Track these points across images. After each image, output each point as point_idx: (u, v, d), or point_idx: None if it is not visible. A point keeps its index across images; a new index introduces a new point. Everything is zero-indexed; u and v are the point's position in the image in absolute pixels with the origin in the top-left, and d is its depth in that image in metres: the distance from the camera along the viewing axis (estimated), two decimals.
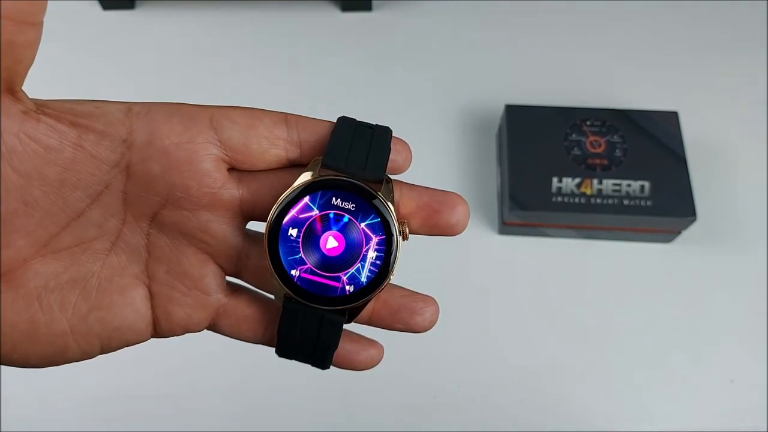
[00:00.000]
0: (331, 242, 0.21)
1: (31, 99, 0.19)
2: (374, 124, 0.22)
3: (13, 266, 0.19)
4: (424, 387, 0.50)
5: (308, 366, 0.23)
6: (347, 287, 0.21)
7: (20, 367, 0.20)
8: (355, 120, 0.22)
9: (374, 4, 0.67)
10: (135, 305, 0.21)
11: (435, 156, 0.59)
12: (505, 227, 0.54)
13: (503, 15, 0.67)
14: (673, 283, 0.54)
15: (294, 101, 0.63)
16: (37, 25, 0.17)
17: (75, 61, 0.64)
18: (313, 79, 0.64)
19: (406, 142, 0.22)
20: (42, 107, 0.19)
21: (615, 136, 0.54)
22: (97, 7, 0.67)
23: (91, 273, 0.20)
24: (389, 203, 0.21)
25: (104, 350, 0.21)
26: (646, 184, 0.52)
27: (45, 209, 0.19)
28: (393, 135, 0.22)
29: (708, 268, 0.54)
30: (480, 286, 0.53)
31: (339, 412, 0.49)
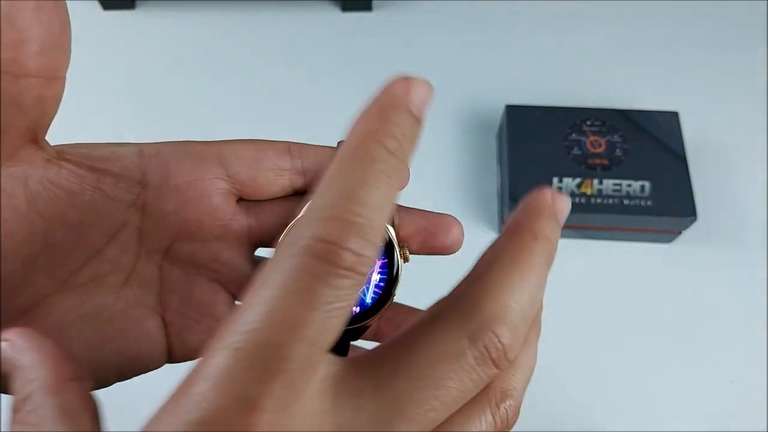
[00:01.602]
0: None
1: (52, 146, 0.20)
2: None
3: (33, 303, 0.20)
4: None
5: None
6: (354, 308, 0.22)
7: None
8: None
9: (374, 3, 0.67)
10: (150, 335, 0.22)
11: (435, 156, 0.59)
12: None
13: (503, 15, 0.67)
14: (673, 283, 0.53)
15: (294, 101, 0.63)
16: (62, 79, 0.18)
17: (75, 61, 0.63)
18: (313, 78, 0.64)
19: None
20: (61, 153, 0.20)
21: (615, 136, 0.54)
22: (97, 7, 0.67)
23: (105, 306, 0.21)
24: (390, 228, 0.22)
25: (121, 378, 0.21)
26: (647, 184, 0.52)
27: (66, 249, 0.20)
28: None
29: (708, 268, 0.54)
30: None
31: None
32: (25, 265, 0.19)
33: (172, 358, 0.22)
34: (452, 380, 0.15)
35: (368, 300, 0.22)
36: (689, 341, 0.51)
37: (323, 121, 0.60)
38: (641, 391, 0.49)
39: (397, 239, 0.22)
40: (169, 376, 0.25)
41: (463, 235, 0.23)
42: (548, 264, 0.18)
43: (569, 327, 0.52)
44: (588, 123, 0.55)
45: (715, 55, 0.65)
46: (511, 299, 0.16)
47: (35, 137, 0.19)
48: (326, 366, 0.15)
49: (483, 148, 0.60)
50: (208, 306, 0.22)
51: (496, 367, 0.16)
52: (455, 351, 0.15)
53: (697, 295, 0.53)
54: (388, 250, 0.22)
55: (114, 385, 0.22)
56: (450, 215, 0.23)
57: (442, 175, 0.58)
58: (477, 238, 0.56)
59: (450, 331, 0.15)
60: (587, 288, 0.53)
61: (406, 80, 0.16)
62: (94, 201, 0.20)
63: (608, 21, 0.67)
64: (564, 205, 0.19)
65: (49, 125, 0.19)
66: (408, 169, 0.16)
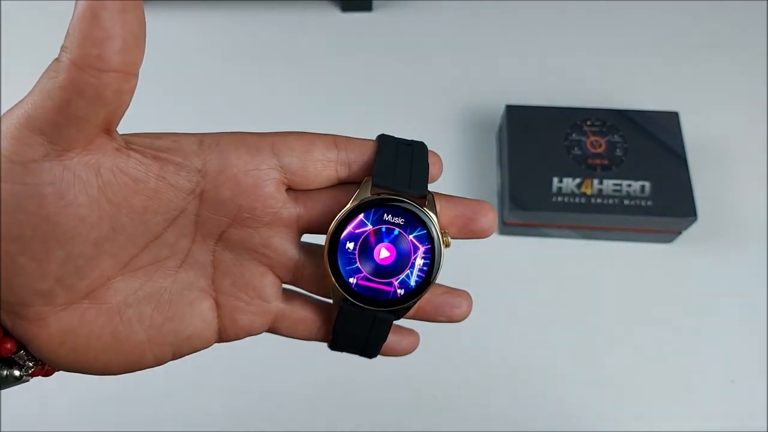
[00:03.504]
0: (383, 253, 0.24)
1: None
2: (410, 140, 0.25)
3: (98, 285, 0.21)
4: (425, 387, 0.50)
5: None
6: (398, 291, 0.24)
7: (100, 374, 0.23)
8: (394, 138, 0.24)
9: (374, 4, 0.67)
10: (203, 315, 0.23)
11: None
12: (506, 227, 0.54)
13: (504, 15, 0.67)
14: (673, 283, 0.53)
15: (294, 101, 0.63)
16: (137, 75, 0.20)
17: None
18: (314, 79, 0.64)
19: (438, 155, 0.25)
20: (129, 143, 0.21)
21: (615, 136, 0.54)
22: None
23: (163, 288, 0.23)
24: (433, 216, 0.24)
25: (175, 357, 0.23)
26: (647, 184, 0.52)
27: (129, 234, 0.21)
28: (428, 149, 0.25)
29: (708, 268, 0.54)
30: (480, 286, 0.53)
31: (339, 412, 0.49)
32: (94, 248, 0.21)
33: (222, 337, 0.24)
34: None
35: (412, 283, 0.24)
36: (689, 341, 0.51)
37: (323, 120, 0.60)
38: (641, 391, 0.49)
39: (438, 226, 0.24)
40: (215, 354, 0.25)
41: (496, 220, 0.24)
42: None
43: (570, 327, 0.52)
44: (588, 123, 0.55)
45: (715, 55, 0.65)
46: None
47: (109, 128, 0.20)
48: None
49: (483, 148, 0.60)
50: (257, 288, 0.24)
51: None
52: None
53: (697, 295, 0.53)
54: (431, 237, 0.24)
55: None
56: (486, 202, 0.25)
57: (442, 174, 0.58)
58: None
59: None
60: (587, 288, 0.53)
61: None
62: (157, 188, 0.21)
63: (608, 21, 0.67)
64: None
65: (121, 117, 0.21)
66: None
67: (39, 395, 0.48)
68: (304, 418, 0.49)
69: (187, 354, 0.24)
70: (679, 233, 0.54)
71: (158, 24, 0.66)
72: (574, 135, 0.54)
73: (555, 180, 0.53)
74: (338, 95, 0.63)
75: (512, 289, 0.53)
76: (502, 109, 0.58)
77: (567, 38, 0.66)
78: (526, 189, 0.52)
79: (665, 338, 0.51)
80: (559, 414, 0.49)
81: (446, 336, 0.51)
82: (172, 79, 0.63)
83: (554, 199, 0.52)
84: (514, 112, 0.56)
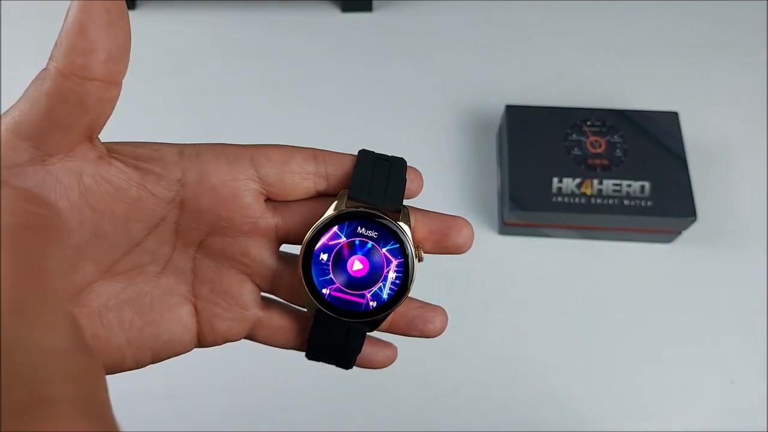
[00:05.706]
0: (356, 265, 0.24)
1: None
2: (390, 156, 0.25)
3: (79, 289, 0.22)
4: (425, 387, 0.50)
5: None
6: (371, 303, 0.24)
7: None
8: (373, 153, 0.25)
9: (374, 4, 0.67)
10: (183, 321, 0.24)
11: (435, 156, 0.59)
12: (506, 227, 0.54)
13: (503, 15, 0.67)
14: (673, 283, 0.53)
15: (294, 102, 0.63)
16: (120, 85, 0.21)
17: None
18: (313, 79, 0.64)
19: (418, 171, 0.25)
20: (111, 151, 0.22)
21: (615, 137, 0.54)
22: None
23: (144, 293, 0.23)
24: (406, 230, 0.24)
25: (154, 360, 0.24)
26: (647, 184, 0.52)
27: (112, 240, 0.22)
28: (407, 165, 0.25)
29: (708, 268, 0.54)
30: (480, 286, 0.53)
31: (339, 412, 0.49)
32: (75, 252, 0.21)
33: (201, 342, 0.25)
34: None
35: (384, 296, 0.24)
36: (689, 341, 0.51)
37: (323, 120, 0.60)
38: (641, 391, 0.49)
39: (412, 240, 0.24)
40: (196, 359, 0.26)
41: (473, 235, 0.25)
42: None
43: (569, 327, 0.52)
44: (588, 123, 0.55)
45: (715, 55, 0.65)
46: None
47: (91, 136, 0.21)
48: None
49: (483, 148, 0.60)
50: (236, 296, 0.25)
51: None
52: None
53: (697, 296, 0.53)
54: (404, 251, 0.24)
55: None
56: (462, 217, 0.25)
57: (442, 175, 0.58)
58: (477, 238, 0.56)
59: None
60: (587, 288, 0.53)
61: None
62: (138, 197, 0.22)
63: (608, 21, 0.67)
64: None
65: (103, 125, 0.21)
66: None
67: None
68: (304, 418, 0.49)
69: (166, 358, 0.24)
70: (679, 233, 0.54)
71: (157, 24, 0.66)
72: (574, 135, 0.54)
73: (555, 180, 0.53)
74: (338, 95, 0.63)
75: (512, 289, 0.53)
76: (502, 110, 0.58)
77: (567, 38, 0.66)
78: (526, 189, 0.52)
79: (665, 338, 0.51)
80: (559, 414, 0.49)
81: (446, 336, 0.51)
82: (171, 80, 0.63)
83: (554, 199, 0.52)
84: (514, 112, 0.56)
